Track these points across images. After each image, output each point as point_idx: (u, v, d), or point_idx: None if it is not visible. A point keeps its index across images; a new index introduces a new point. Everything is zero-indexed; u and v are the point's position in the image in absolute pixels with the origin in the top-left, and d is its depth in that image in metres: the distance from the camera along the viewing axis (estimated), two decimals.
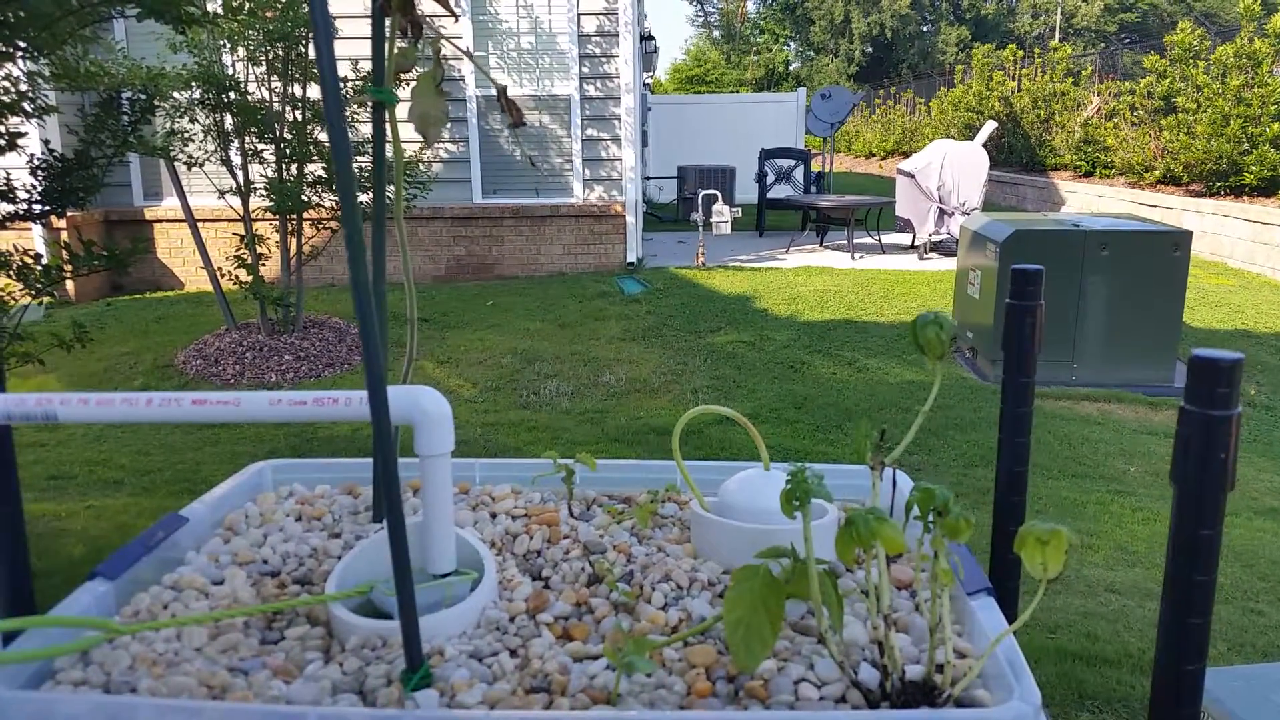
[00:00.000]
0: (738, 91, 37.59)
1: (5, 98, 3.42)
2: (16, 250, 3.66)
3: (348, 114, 6.99)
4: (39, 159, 3.92)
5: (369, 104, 1.59)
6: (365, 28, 1.46)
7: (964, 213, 10.39)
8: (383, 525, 1.49)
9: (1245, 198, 10.45)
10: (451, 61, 9.09)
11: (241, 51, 6.52)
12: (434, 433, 1.27)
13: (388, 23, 1.33)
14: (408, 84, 1.36)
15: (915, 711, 1.03)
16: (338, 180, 1.03)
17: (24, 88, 3.64)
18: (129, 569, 1.34)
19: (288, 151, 6.55)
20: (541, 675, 1.14)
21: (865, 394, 5.99)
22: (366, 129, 7.35)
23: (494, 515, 1.61)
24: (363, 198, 6.17)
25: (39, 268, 3.63)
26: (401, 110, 1.20)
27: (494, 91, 1.37)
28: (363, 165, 6.78)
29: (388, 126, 1.38)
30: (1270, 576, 3.74)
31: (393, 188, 1.37)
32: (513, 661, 1.17)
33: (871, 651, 1.16)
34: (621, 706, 1.08)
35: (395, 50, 1.36)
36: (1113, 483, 4.82)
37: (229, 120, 6.57)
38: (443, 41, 1.43)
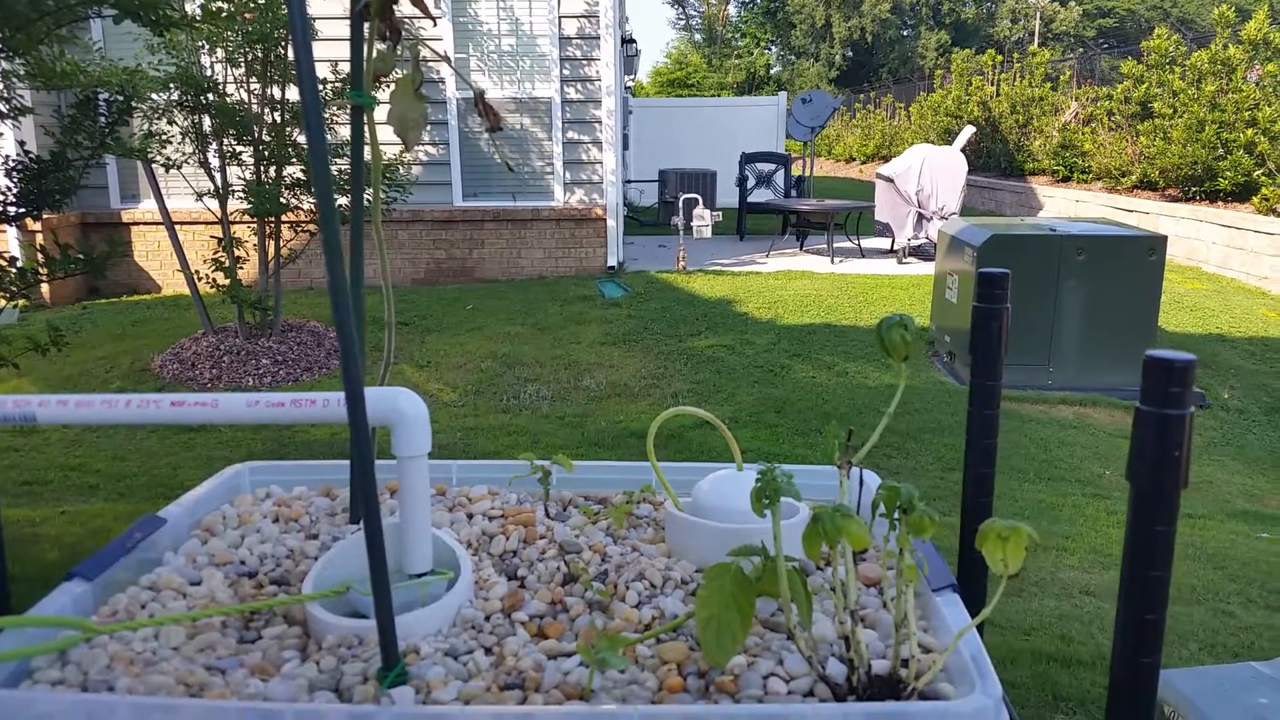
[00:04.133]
0: (719, 95, 37.68)
1: None
2: None
3: (326, 116, 6.97)
4: (14, 160, 3.90)
5: (348, 106, 1.60)
6: (345, 29, 1.47)
7: (942, 217, 10.47)
8: (360, 526, 1.50)
9: (1220, 203, 10.58)
10: (431, 64, 9.08)
11: (220, 53, 6.49)
12: (411, 433, 1.29)
13: (367, 27, 1.34)
14: (387, 87, 1.37)
15: (880, 704, 1.05)
16: (315, 183, 1.04)
17: None
18: (107, 570, 1.35)
19: (266, 154, 6.53)
20: (516, 672, 1.15)
21: (844, 397, 6.03)
22: (345, 131, 7.33)
23: (470, 516, 1.62)
24: (341, 200, 6.16)
25: (14, 270, 3.61)
26: (380, 113, 1.21)
27: (474, 94, 1.39)
28: (341, 168, 6.76)
29: (366, 130, 1.39)
30: (1241, 578, 3.79)
31: (370, 190, 1.38)
32: (487, 659, 1.19)
33: (839, 647, 1.18)
34: (594, 702, 1.10)
35: (374, 54, 1.37)
36: (1088, 486, 4.88)
37: (207, 122, 6.53)
38: (422, 45, 1.44)
